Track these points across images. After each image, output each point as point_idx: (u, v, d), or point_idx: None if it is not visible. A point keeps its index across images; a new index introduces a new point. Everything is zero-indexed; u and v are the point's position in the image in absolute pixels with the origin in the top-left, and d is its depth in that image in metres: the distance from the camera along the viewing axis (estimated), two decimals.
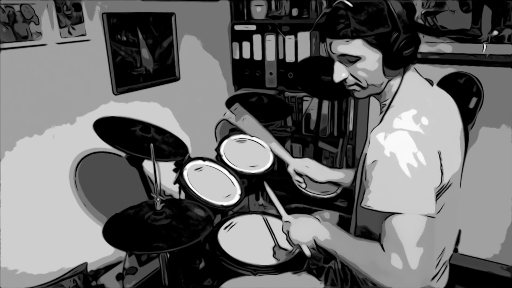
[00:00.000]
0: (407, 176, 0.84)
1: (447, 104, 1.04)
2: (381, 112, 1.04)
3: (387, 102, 1.01)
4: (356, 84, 1.01)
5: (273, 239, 1.35)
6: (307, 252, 1.07)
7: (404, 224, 0.84)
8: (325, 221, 1.09)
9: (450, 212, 1.00)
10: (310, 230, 1.06)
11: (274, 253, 1.29)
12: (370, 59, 0.95)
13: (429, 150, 0.87)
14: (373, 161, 0.88)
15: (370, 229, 1.07)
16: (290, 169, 1.47)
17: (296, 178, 1.46)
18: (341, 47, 0.95)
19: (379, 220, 0.89)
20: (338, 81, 1.01)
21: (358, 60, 0.95)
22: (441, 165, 0.90)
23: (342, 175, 1.40)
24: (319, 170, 1.42)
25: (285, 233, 1.13)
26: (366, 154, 0.92)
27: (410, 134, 0.87)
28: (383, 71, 0.96)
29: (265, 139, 1.63)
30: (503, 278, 2.05)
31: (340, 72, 1.00)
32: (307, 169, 1.43)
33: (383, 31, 0.91)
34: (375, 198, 0.88)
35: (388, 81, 1.00)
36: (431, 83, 1.04)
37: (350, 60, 0.96)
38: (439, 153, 0.89)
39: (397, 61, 0.94)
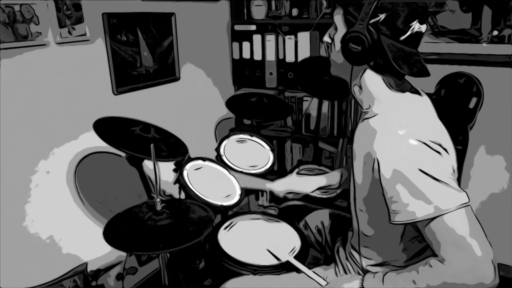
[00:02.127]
0: (432, 176, 0.84)
1: (422, 101, 1.03)
2: (360, 119, 1.05)
3: (368, 110, 1.01)
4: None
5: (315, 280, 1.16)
6: None
7: (453, 221, 0.84)
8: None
9: None
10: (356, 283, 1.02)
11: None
12: (338, 35, 0.98)
13: (438, 147, 0.88)
14: (393, 174, 0.87)
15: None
16: (277, 193, 1.44)
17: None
18: (335, 12, 0.99)
19: (387, 225, 0.89)
20: (323, 41, 1.06)
21: (336, 31, 1.00)
22: (450, 158, 0.90)
23: (325, 180, 1.40)
24: (304, 182, 1.41)
25: None
26: (377, 171, 0.90)
27: (417, 138, 0.87)
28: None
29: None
30: (503, 278, 2.04)
31: (326, 35, 1.05)
32: (292, 186, 1.41)
33: (352, 15, 0.93)
34: (414, 209, 0.86)
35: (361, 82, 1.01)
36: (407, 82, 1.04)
37: (334, 27, 1.01)
38: (445, 149, 0.89)
39: (346, 51, 0.94)
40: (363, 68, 0.99)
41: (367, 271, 1.08)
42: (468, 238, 0.82)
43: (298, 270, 1.18)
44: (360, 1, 0.91)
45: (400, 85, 1.00)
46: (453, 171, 0.90)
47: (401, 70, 0.91)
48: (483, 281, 0.82)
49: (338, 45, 0.98)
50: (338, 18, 0.97)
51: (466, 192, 0.86)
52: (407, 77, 1.02)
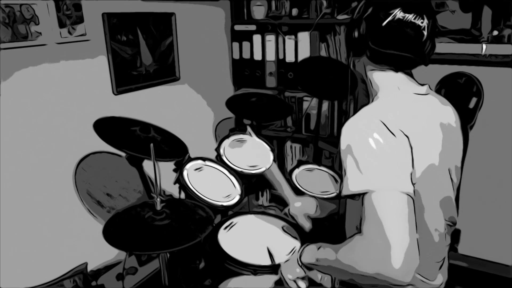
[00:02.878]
0: (378, 154, 0.86)
1: (424, 98, 1.04)
2: None
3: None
4: None
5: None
6: (302, 286, 1.09)
7: (380, 200, 0.83)
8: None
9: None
10: (293, 258, 1.10)
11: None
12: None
13: (398, 133, 0.89)
14: (346, 146, 0.90)
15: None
16: (292, 211, 1.48)
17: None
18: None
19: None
20: None
21: None
22: (411, 150, 0.90)
23: (334, 206, 1.43)
24: (316, 207, 1.44)
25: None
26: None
27: (379, 118, 0.90)
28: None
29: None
30: (503, 278, 2.05)
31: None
32: (305, 210, 1.44)
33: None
34: (351, 183, 0.88)
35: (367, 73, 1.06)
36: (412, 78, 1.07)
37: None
38: (408, 138, 0.90)
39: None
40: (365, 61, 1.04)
41: None
42: (386, 220, 0.81)
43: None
44: None
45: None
46: (412, 164, 0.90)
47: (391, 59, 0.98)
48: (381, 271, 0.79)
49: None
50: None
51: (413, 185, 0.86)
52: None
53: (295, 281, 1.10)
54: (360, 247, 0.85)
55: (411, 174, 0.89)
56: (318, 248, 1.02)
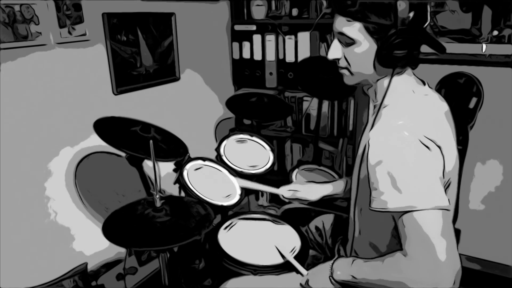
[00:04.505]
0: (416, 171, 0.84)
1: (440, 105, 1.04)
2: (373, 113, 1.05)
3: (378, 103, 1.02)
4: (346, 68, 1.03)
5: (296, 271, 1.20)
6: None
7: (423, 218, 0.83)
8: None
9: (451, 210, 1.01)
10: (326, 273, 1.05)
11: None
12: (364, 46, 0.95)
13: (431, 144, 0.88)
14: (378, 162, 0.88)
15: (374, 243, 1.07)
16: (283, 197, 1.45)
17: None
18: (343, 25, 0.95)
19: (383, 223, 0.89)
20: (330, 58, 1.03)
21: (353, 43, 0.96)
22: (443, 160, 0.90)
23: (332, 188, 1.41)
24: (309, 190, 1.41)
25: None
26: (366, 155, 0.92)
27: (411, 131, 0.87)
28: (374, 63, 0.97)
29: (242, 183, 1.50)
30: (503, 278, 2.05)
31: (335, 50, 1.01)
32: (296, 193, 1.41)
33: (383, 23, 0.91)
34: (390, 201, 0.86)
35: (379, 79, 1.01)
36: (425, 83, 1.05)
37: (347, 41, 0.97)
38: (440, 148, 0.89)
39: (387, 58, 0.94)
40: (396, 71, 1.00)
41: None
42: (433, 239, 0.82)
43: (298, 271, 1.18)
44: (385, 4, 0.91)
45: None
46: (443, 175, 0.90)
47: (440, 52, 0.94)
48: (438, 287, 0.81)
49: (363, 57, 0.97)
50: (355, 31, 0.94)
51: (448, 200, 0.86)
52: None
53: None
54: (407, 268, 0.85)
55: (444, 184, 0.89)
56: (352, 262, 1.00)
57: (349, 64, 1.01)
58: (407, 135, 0.87)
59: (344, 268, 1.01)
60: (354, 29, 0.94)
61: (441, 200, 0.85)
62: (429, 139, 0.88)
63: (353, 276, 0.97)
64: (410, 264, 0.84)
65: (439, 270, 0.81)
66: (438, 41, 0.95)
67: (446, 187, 0.95)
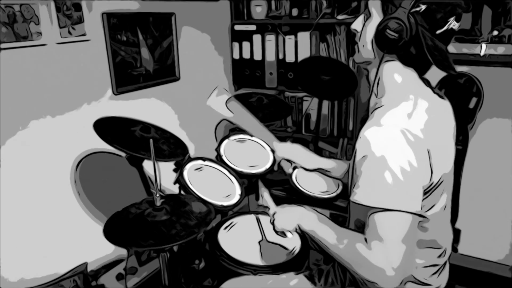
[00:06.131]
0: (396, 174, 0.84)
1: (440, 104, 1.03)
2: (371, 112, 1.04)
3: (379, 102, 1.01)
4: (356, 43, 1.04)
5: (261, 233, 1.37)
6: (289, 235, 1.09)
7: (390, 220, 0.85)
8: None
9: (446, 209, 1.01)
10: (295, 216, 1.06)
11: (260, 247, 1.30)
12: (374, 23, 0.96)
13: (418, 148, 0.87)
14: (363, 157, 0.89)
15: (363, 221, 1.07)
16: (277, 156, 1.44)
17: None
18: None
19: (365, 217, 0.90)
20: (352, 28, 1.04)
21: (369, 18, 0.98)
22: (430, 164, 0.90)
23: (333, 164, 1.39)
24: (308, 157, 1.40)
25: (272, 224, 1.13)
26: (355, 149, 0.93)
27: (400, 131, 0.87)
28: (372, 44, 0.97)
29: (248, 122, 1.51)
30: (503, 278, 2.05)
31: (357, 23, 1.02)
32: (294, 155, 1.41)
33: (392, 2, 0.92)
34: (363, 193, 0.89)
35: (378, 71, 1.00)
36: (427, 82, 1.04)
37: (366, 15, 0.99)
38: (429, 152, 0.89)
39: (379, 36, 0.93)
40: (385, 59, 0.99)
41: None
42: (393, 242, 0.84)
43: (297, 272, 1.18)
44: None
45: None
46: (430, 177, 0.90)
47: (435, 63, 0.92)
48: (378, 282, 0.84)
49: (370, 33, 0.98)
50: (376, 4, 0.96)
51: (421, 206, 0.87)
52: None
53: (283, 232, 1.11)
54: (362, 253, 0.87)
55: (423, 187, 0.89)
56: (320, 220, 1.02)
57: (359, 38, 1.02)
58: (395, 134, 0.87)
59: (311, 221, 1.02)
60: (373, 2, 0.96)
61: (414, 205, 0.86)
62: (417, 140, 0.87)
63: (314, 232, 1.00)
64: (367, 253, 0.86)
65: (390, 271, 0.83)
66: (442, 48, 0.93)
67: (435, 187, 0.94)
